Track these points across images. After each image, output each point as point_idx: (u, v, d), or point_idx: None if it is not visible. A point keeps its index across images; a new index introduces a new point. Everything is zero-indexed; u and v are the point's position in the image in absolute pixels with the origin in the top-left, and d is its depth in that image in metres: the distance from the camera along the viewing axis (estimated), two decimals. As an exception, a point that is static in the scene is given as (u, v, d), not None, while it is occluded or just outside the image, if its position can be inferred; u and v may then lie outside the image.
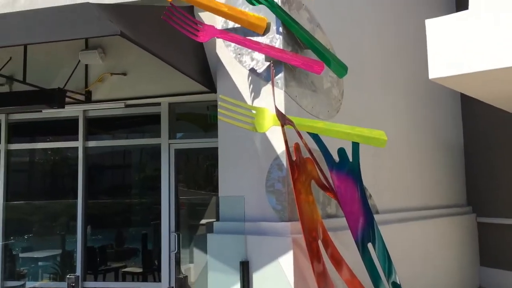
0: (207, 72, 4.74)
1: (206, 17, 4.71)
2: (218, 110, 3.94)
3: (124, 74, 5.54)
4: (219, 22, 4.45)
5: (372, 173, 5.00)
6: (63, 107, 5.18)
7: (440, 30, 3.36)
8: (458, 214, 7.16)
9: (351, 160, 3.86)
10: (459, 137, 7.71)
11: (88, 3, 3.44)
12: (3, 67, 5.44)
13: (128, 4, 4.61)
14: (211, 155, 5.59)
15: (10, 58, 5.48)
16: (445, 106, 7.45)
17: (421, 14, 6.52)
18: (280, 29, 4.14)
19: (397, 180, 5.75)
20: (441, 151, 7.07)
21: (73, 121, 6.08)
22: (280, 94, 4.01)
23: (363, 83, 5.23)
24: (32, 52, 5.28)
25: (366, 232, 3.88)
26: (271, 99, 3.88)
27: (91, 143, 6.09)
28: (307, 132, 3.84)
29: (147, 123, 6.21)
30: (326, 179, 3.91)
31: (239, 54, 4.33)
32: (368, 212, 3.91)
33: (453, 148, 7.48)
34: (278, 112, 3.74)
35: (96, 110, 5.92)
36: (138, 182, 6.30)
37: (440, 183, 6.92)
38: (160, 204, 5.68)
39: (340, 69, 4.27)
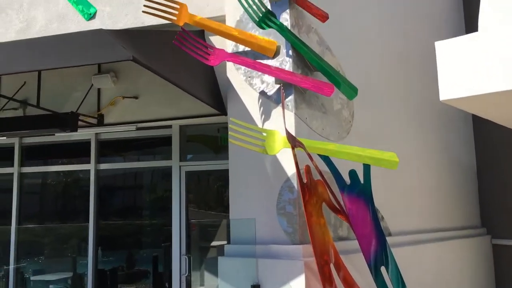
0: (217, 95, 4.78)
1: (217, 41, 4.77)
2: (229, 133, 3.95)
3: (136, 97, 5.60)
4: (229, 46, 4.50)
5: (384, 194, 4.96)
6: (76, 131, 5.24)
7: (450, 51, 3.36)
8: (472, 236, 7.05)
9: (362, 182, 3.84)
10: (471, 158, 7.64)
11: (101, 29, 3.51)
12: (17, 91, 5.53)
13: (140, 30, 4.70)
14: (222, 176, 5.60)
15: (25, 82, 5.59)
16: (457, 126, 7.41)
17: (429, 34, 6.55)
18: (290, 52, 4.18)
19: (410, 201, 5.69)
20: (453, 172, 7.00)
21: (85, 144, 6.14)
22: (290, 116, 4.03)
23: (373, 104, 5.23)
24: (46, 76, 5.38)
25: (379, 255, 3.83)
26: (282, 122, 3.90)
27: (103, 166, 6.14)
28: (318, 154, 3.83)
29: (158, 145, 6.25)
30: (337, 201, 3.89)
31: (249, 76, 4.36)
32: (380, 235, 3.86)
33: (466, 169, 7.40)
34: (288, 135, 3.75)
35: (108, 133, 5.98)
36: (149, 203, 6.32)
37: (453, 204, 6.83)
38: (171, 226, 5.67)
39: (350, 91, 4.28)
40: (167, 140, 5.87)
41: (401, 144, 5.58)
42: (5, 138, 5.92)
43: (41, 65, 3.42)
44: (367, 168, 3.81)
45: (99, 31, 3.49)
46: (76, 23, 5.14)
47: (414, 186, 5.84)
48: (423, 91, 6.34)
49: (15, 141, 6.29)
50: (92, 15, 5.11)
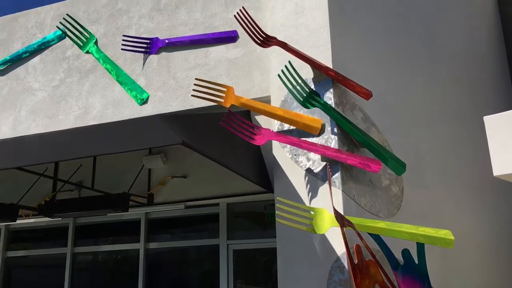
0: (264, 173, 4.83)
1: (263, 120, 4.90)
2: (276, 212, 3.93)
3: (184, 177, 5.74)
4: (275, 125, 4.60)
5: (440, 274, 4.70)
6: (127, 211, 5.38)
7: (500, 125, 3.30)
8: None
9: (417, 261, 3.66)
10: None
11: (152, 115, 3.70)
12: (73, 174, 5.81)
13: (189, 114, 4.90)
14: (270, 251, 5.52)
15: (80, 165, 5.87)
16: (514, 198, 7.07)
17: (478, 107, 6.47)
18: (335, 129, 4.22)
19: (468, 281, 5.35)
20: (515, 247, 6.59)
21: (136, 223, 6.26)
22: (338, 193, 3.99)
23: (423, 179, 5.11)
24: (100, 158, 5.65)
25: None
26: (329, 199, 3.85)
27: (152, 245, 6.20)
28: (368, 233, 3.73)
29: (205, 223, 6.28)
30: (391, 283, 3.70)
31: (295, 154, 4.41)
32: (440, 319, 3.62)
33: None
34: (336, 213, 3.69)
35: (157, 212, 6.09)
36: (196, 280, 6.25)
37: (518, 282, 6.37)
38: (219, 304, 5.56)
39: (398, 166, 4.22)
40: (215, 218, 5.90)
41: (456, 220, 5.36)
42: (60, 218, 6.14)
43: (97, 151, 3.62)
44: (421, 247, 3.65)
45: (151, 117, 3.68)
46: (129, 108, 5.44)
47: (471, 264, 5.52)
48: (476, 165, 6.16)
49: (69, 221, 6.50)
50: (144, 100, 5.40)
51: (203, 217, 6.17)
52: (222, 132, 4.12)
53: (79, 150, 3.68)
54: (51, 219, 5.89)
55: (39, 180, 5.75)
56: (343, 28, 4.79)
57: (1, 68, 6.25)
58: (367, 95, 4.29)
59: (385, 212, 4.38)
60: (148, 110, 5.34)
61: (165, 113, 5.24)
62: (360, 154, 4.23)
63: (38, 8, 6.38)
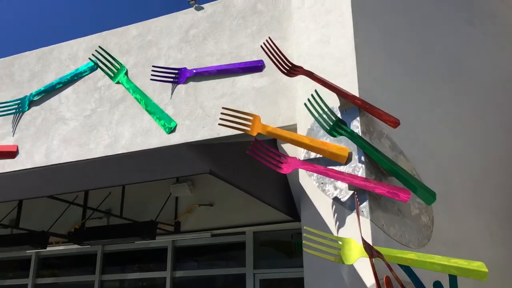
0: (290, 202, 4.80)
1: (289, 148, 4.90)
2: (303, 241, 3.89)
3: (211, 205, 5.75)
4: (301, 153, 4.60)
5: (475, 307, 4.53)
6: (154, 238, 5.41)
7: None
8: None
9: (449, 294, 3.55)
10: None
11: (180, 144, 3.75)
12: (102, 202, 5.90)
13: (216, 143, 4.96)
14: (297, 281, 5.43)
15: (109, 193, 5.96)
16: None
17: (508, 134, 6.32)
18: (362, 157, 4.18)
19: (506, 314, 5.14)
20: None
21: (162, 251, 6.27)
22: (366, 223, 3.92)
23: (453, 208, 4.99)
24: (128, 186, 5.72)
25: None
26: (357, 229, 3.79)
27: (178, 273, 6.18)
28: (398, 264, 3.64)
29: (232, 251, 6.25)
30: (423, 316, 3.59)
31: (322, 183, 4.38)
32: None
33: None
34: (365, 244, 3.62)
35: (184, 240, 6.10)
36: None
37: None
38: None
39: (428, 195, 4.13)
40: (241, 246, 5.86)
41: (488, 250, 5.19)
42: (89, 246, 6.21)
43: (126, 180, 3.68)
44: (453, 279, 3.54)
45: (179, 146, 3.73)
46: (158, 137, 5.53)
47: (509, 296, 5.31)
48: (507, 194, 5.99)
49: (98, 248, 6.56)
50: (172, 129, 5.49)
51: (229, 245, 6.14)
52: (249, 160, 4.14)
53: (109, 179, 3.75)
54: (80, 246, 5.97)
55: (69, 207, 5.86)
56: (369, 57, 4.80)
57: (36, 99, 6.47)
58: (394, 123, 4.26)
59: (415, 242, 4.28)
60: (176, 139, 5.42)
61: (193, 142, 5.30)
62: (388, 183, 4.17)
63: (72, 41, 6.62)
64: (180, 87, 5.67)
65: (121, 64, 6.09)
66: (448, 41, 6.04)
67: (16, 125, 6.45)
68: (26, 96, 6.55)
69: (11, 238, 6.05)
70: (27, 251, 6.84)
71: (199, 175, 5.70)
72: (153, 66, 5.82)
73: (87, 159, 5.76)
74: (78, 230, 5.78)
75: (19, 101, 6.56)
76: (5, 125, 6.53)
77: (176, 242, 6.21)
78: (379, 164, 4.20)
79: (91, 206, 5.90)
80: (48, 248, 6.08)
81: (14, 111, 6.52)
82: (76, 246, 6.03)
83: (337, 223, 4.18)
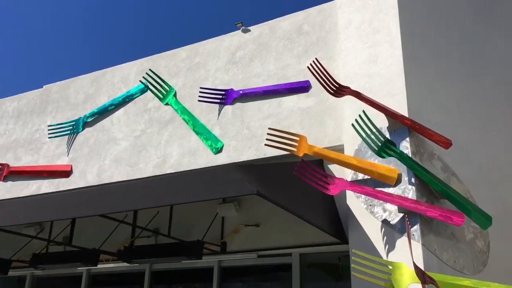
0: (337, 223, 4.72)
1: (336, 169, 4.84)
2: (351, 265, 3.79)
3: (257, 225, 5.74)
4: (348, 174, 4.53)
5: None
6: (201, 258, 5.43)
7: None
8: None
9: (508, 325, 3.35)
10: None
11: (227, 165, 3.78)
12: (150, 221, 6.00)
13: (262, 164, 4.97)
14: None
15: (158, 212, 6.06)
16: None
17: None
18: (413, 179, 4.07)
19: None
20: None
21: (208, 271, 6.29)
22: (417, 247, 3.79)
23: (511, 232, 4.75)
24: (176, 206, 5.80)
25: None
26: (408, 253, 3.67)
27: (224, 294, 6.18)
28: (452, 291, 3.48)
29: (278, 272, 6.18)
30: None
31: (371, 205, 4.28)
32: None
33: None
34: (417, 269, 3.49)
35: (230, 260, 6.10)
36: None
37: None
38: None
39: (483, 219, 3.96)
40: (287, 268, 5.79)
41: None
42: (137, 264, 6.31)
43: (175, 200, 3.74)
44: (512, 308, 3.35)
45: (226, 166, 3.76)
46: (205, 157, 5.60)
47: None
48: None
49: (146, 267, 6.66)
50: (219, 149, 5.55)
51: (275, 266, 6.08)
52: (295, 181, 4.11)
53: (158, 199, 3.82)
54: (129, 264, 6.07)
55: (119, 226, 6.00)
56: (418, 76, 4.71)
57: (89, 120, 6.72)
58: (446, 144, 4.13)
59: (470, 268, 4.09)
60: (222, 159, 5.48)
61: (239, 162, 5.33)
62: (440, 205, 4.03)
63: (123, 64, 6.87)
64: (227, 108, 5.75)
65: (170, 86, 6.25)
66: (502, 59, 5.84)
67: (71, 146, 6.71)
68: (80, 117, 6.82)
69: (64, 255, 6.24)
70: (78, 268, 7.03)
71: (246, 195, 5.75)
72: (200, 88, 5.93)
73: (137, 179, 5.91)
74: (127, 248, 5.88)
75: (73, 123, 6.83)
76: (61, 146, 6.80)
77: (222, 262, 6.21)
78: (430, 186, 4.07)
79: (140, 225, 6.02)
80: (99, 266, 6.22)
81: (69, 132, 6.80)
82: (125, 264, 6.14)
83: (387, 246, 4.06)
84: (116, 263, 6.64)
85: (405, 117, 4.24)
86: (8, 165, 7.11)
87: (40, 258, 6.27)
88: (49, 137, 6.89)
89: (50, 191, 6.53)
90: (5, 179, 7.05)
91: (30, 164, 6.96)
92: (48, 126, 6.99)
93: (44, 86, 7.53)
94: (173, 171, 5.71)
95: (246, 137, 5.47)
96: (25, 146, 7.16)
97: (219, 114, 5.77)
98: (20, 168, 6.98)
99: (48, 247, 6.77)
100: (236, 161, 5.34)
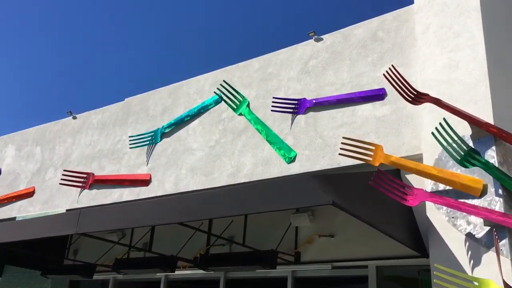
0: (416, 236, 4.53)
1: (413, 179, 4.66)
2: (434, 280, 3.63)
3: (332, 236, 5.65)
4: (428, 184, 4.35)
5: None
6: (275, 268, 5.43)
7: None
8: None
9: None
10: None
11: (302, 174, 3.76)
12: (225, 229, 6.10)
13: (337, 174, 4.89)
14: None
15: (232, 221, 6.15)
16: None
17: None
18: (500, 190, 3.83)
19: None
20: None
21: (282, 281, 6.27)
22: (506, 263, 3.56)
23: None
24: (250, 215, 5.85)
25: None
26: (495, 269, 3.45)
27: (297, 304, 6.12)
28: (547, 312, 3.23)
29: (353, 285, 6.04)
30: None
31: (453, 217, 4.07)
32: None
33: None
34: (506, 286, 3.28)
35: (304, 271, 6.04)
36: None
37: None
38: None
39: None
40: (363, 280, 5.64)
41: None
42: (213, 272, 6.43)
43: (249, 209, 3.77)
44: None
45: (302, 176, 3.74)
46: (278, 166, 5.62)
47: None
48: None
49: (220, 275, 6.77)
50: (292, 159, 5.54)
51: (351, 279, 5.94)
52: (371, 191, 4.01)
53: (232, 208, 3.88)
54: (204, 271, 6.20)
55: (195, 233, 6.15)
56: (504, 81, 4.44)
57: (167, 131, 6.98)
58: (537, 152, 3.85)
59: None
60: (295, 169, 5.46)
61: (312, 171, 5.29)
62: (531, 219, 3.75)
63: (199, 76, 7.08)
64: (300, 117, 5.74)
65: (243, 96, 6.35)
66: None
67: (150, 155, 7.00)
68: (158, 128, 7.10)
69: (144, 261, 6.49)
70: (157, 274, 7.28)
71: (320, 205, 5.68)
72: (273, 98, 5.97)
73: (212, 188, 6.03)
74: (203, 256, 6.02)
75: (152, 133, 7.13)
76: (141, 156, 7.12)
77: (296, 272, 6.17)
78: (520, 198, 3.80)
79: (215, 233, 6.14)
80: (176, 272, 6.41)
81: (148, 142, 7.10)
82: (201, 271, 6.28)
83: (471, 261, 3.84)
84: (192, 270, 6.81)
85: (491, 124, 4.00)
86: (93, 174, 7.54)
87: (122, 263, 6.58)
88: (130, 147, 7.23)
89: (131, 199, 6.85)
90: (90, 187, 7.48)
91: (112, 173, 7.34)
92: (129, 137, 7.34)
93: (125, 99, 7.93)
94: (246, 181, 5.77)
95: (319, 147, 5.42)
96: (108, 156, 7.57)
97: (292, 124, 5.77)
98: (104, 176, 7.38)
99: (129, 252, 7.09)
100: (309, 171, 5.31)
